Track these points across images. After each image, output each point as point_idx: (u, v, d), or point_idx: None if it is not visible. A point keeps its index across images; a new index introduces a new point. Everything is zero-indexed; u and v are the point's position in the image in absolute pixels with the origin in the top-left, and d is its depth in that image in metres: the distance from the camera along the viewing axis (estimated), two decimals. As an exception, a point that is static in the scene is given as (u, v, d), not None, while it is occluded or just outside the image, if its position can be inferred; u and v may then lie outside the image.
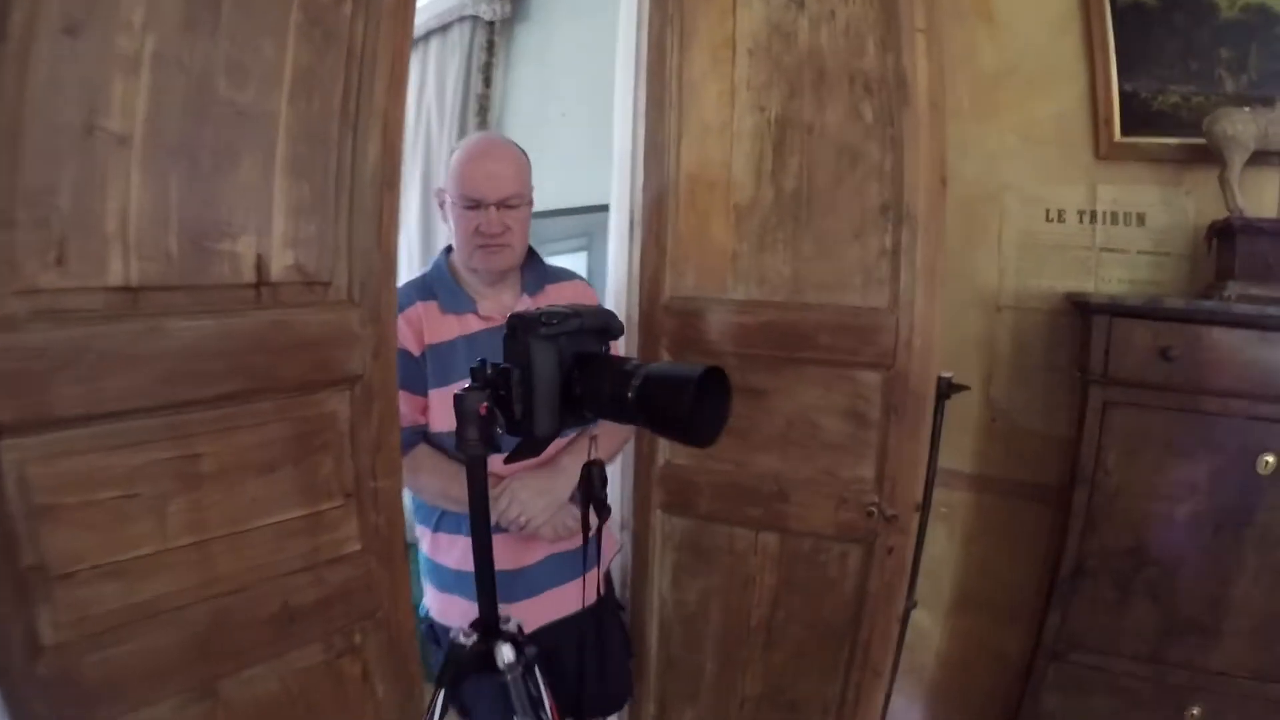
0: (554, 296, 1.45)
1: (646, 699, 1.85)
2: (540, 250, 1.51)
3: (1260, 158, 1.51)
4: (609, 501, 1.06)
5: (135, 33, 0.86)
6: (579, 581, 1.38)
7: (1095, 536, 1.50)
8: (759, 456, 1.64)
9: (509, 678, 0.80)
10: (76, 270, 0.85)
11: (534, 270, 1.47)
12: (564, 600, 1.38)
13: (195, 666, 0.98)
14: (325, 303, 1.08)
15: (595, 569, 1.11)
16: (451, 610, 1.39)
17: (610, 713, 1.78)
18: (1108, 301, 1.47)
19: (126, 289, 0.88)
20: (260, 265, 0.97)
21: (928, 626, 2.05)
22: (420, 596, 1.46)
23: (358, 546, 1.13)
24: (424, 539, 1.44)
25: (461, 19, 2.91)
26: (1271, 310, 1.36)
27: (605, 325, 0.82)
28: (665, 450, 1.72)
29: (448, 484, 1.26)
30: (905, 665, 1.97)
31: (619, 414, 0.78)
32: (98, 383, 0.85)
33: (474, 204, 1.29)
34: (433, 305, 1.35)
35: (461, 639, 0.85)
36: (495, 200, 1.29)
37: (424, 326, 1.33)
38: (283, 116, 0.98)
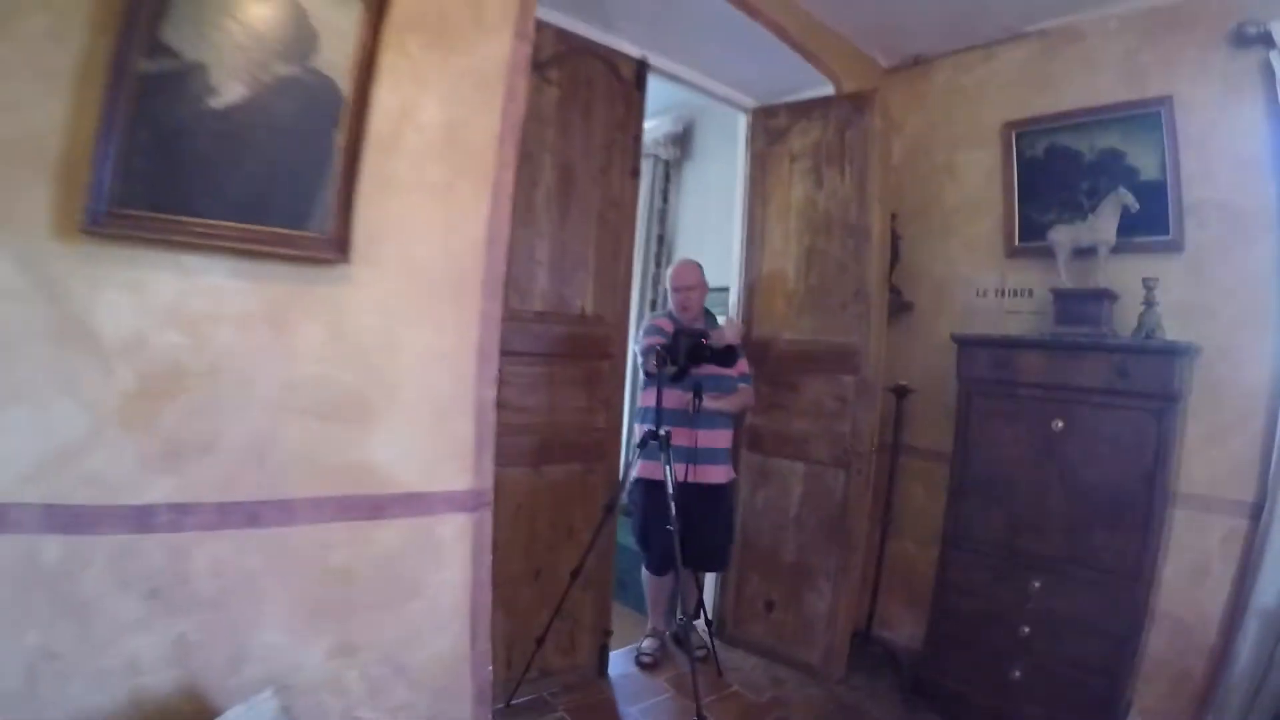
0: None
1: (731, 568, 3.13)
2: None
3: (1121, 245, 2.47)
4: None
5: (541, 228, 2.47)
6: (714, 466, 2.79)
7: (969, 471, 2.65)
8: (795, 420, 3.01)
9: (660, 436, 2.32)
10: (525, 305, 2.44)
11: (708, 316, 2.96)
12: (706, 473, 2.78)
13: (534, 456, 2.48)
14: (603, 325, 2.65)
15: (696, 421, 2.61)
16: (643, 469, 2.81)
17: (707, 569, 3.02)
18: (966, 337, 2.69)
19: (540, 313, 2.48)
20: (583, 309, 2.57)
21: (915, 553, 3.23)
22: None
23: (603, 425, 2.66)
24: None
25: (647, 157, 4.28)
26: (1048, 338, 2.49)
27: (704, 332, 2.37)
28: (749, 417, 3.10)
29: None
30: (901, 582, 3.13)
31: (703, 360, 2.31)
32: (531, 342, 2.44)
33: (676, 290, 2.87)
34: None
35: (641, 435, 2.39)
36: (683, 288, 2.86)
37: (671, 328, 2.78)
38: (592, 257, 2.58)
